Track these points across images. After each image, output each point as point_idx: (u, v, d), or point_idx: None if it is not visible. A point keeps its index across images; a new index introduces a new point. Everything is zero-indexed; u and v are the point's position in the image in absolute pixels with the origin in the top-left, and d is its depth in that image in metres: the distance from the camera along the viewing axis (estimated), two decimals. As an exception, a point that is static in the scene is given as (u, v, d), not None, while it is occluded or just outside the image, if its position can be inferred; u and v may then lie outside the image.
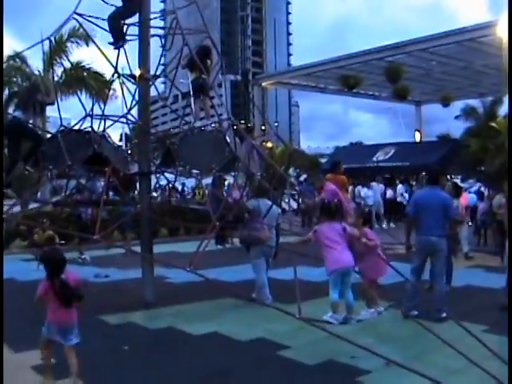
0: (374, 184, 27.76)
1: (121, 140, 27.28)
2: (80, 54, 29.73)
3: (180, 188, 36.87)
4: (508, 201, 9.88)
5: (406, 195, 27.20)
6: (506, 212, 12.99)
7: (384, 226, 25.73)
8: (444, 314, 9.63)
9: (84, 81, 27.27)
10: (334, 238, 8.61)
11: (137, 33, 12.16)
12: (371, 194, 26.76)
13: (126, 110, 12.59)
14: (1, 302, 9.91)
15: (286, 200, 12.81)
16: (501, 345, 7.75)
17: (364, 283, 9.57)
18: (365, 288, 9.50)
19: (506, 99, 26.78)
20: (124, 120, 12.68)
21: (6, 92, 28.80)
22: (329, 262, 8.68)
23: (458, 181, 28.39)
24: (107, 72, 24.49)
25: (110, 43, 12.15)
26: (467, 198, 17.03)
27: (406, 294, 10.04)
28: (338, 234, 8.69)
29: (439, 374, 6.68)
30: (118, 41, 12.05)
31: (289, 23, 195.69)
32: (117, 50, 12.10)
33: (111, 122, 12.65)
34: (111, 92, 19.87)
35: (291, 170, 29.51)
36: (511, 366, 6.20)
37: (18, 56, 27.53)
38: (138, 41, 12.09)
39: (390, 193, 28.75)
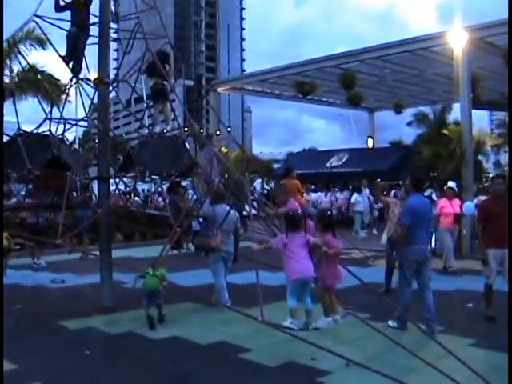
0: (365, 190, 27.96)
1: (74, 143, 27.03)
2: (34, 56, 29.37)
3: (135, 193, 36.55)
4: (508, 201, 9.96)
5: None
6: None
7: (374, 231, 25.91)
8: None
9: (37, 84, 26.94)
10: (296, 249, 8.81)
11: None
12: (361, 199, 27.00)
13: (81, 114, 12.57)
14: (1, 303, 9.86)
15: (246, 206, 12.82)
16: (459, 345, 8.02)
17: (319, 289, 9.72)
18: (320, 294, 9.66)
19: (454, 106, 27.37)
20: (83, 123, 12.65)
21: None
22: (290, 271, 8.86)
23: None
24: (62, 75, 24.29)
25: (60, 56, 12.17)
26: (460, 205, 16.73)
27: (401, 308, 9.64)
28: (300, 244, 8.88)
29: (397, 373, 6.82)
30: (70, 58, 12.12)
31: (243, 29, 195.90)
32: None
33: (69, 126, 12.65)
34: (66, 96, 19.76)
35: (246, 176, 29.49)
36: (511, 366, 6.39)
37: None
38: (97, 44, 12.08)
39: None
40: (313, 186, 29.93)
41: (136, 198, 34.69)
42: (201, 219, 12.25)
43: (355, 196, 27.28)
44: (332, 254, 9.45)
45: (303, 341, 7.71)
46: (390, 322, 9.57)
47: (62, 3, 12.07)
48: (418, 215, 9.57)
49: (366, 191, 28.03)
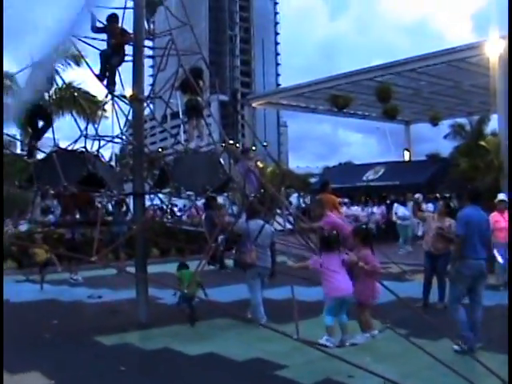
0: (410, 203, 27.53)
1: (111, 160, 27.30)
2: (70, 74, 29.74)
3: (171, 208, 36.73)
4: (508, 203, 9.72)
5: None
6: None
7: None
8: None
9: (75, 101, 27.23)
10: (333, 268, 8.70)
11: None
12: (407, 213, 26.51)
13: (117, 130, 12.67)
14: (1, 306, 9.92)
15: (280, 220, 12.76)
16: (499, 362, 7.83)
17: (357, 306, 9.58)
18: (358, 311, 9.52)
19: (493, 117, 27.04)
20: (118, 140, 12.74)
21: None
22: (327, 288, 8.75)
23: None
24: (98, 91, 24.54)
25: (95, 75, 12.31)
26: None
27: (462, 326, 9.22)
28: (336, 264, 8.77)
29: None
30: (104, 77, 12.25)
31: (277, 43, 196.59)
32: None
33: (104, 143, 12.74)
34: (102, 112, 19.95)
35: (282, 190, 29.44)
36: (511, 366, 6.26)
37: (9, 78, 27.57)
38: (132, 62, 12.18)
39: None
40: (346, 200, 29.62)
41: (177, 212, 34.86)
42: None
43: (402, 210, 26.81)
44: (369, 269, 9.32)
45: (339, 359, 7.62)
46: (455, 347, 8.99)
47: (99, 25, 12.23)
48: (473, 226, 9.23)
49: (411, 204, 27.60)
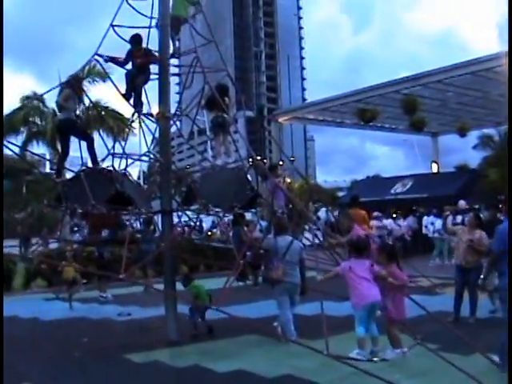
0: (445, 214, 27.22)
1: (139, 178, 27.60)
2: (97, 92, 30.09)
3: (198, 225, 36.96)
4: (508, 205, 9.43)
5: (431, 227, 26.92)
6: None
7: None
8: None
9: (102, 119, 27.48)
10: (361, 274, 8.68)
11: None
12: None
13: (144, 148, 12.75)
14: (1, 307, 9.97)
15: (309, 236, 12.74)
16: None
17: (387, 322, 9.49)
18: (388, 327, 9.43)
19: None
20: (145, 158, 12.80)
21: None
22: (356, 297, 8.71)
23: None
24: (125, 109, 24.77)
25: (121, 94, 12.45)
26: None
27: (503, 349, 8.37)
28: (365, 269, 8.74)
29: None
30: (130, 96, 12.39)
31: (302, 58, 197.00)
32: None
33: (132, 161, 12.83)
34: (129, 131, 20.11)
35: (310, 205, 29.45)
36: (511, 367, 6.16)
37: (37, 98, 27.99)
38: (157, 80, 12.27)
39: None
40: (378, 214, 29.40)
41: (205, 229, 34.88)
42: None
43: (439, 222, 26.49)
44: (397, 285, 9.24)
45: (370, 375, 7.54)
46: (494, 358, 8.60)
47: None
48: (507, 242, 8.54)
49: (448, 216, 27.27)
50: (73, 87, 12.42)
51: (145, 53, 12.35)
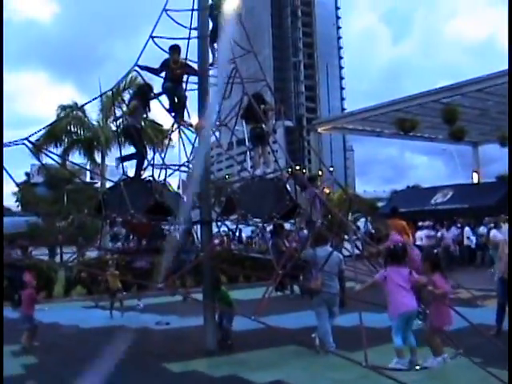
0: (505, 225, 26.80)
1: (179, 188, 27.72)
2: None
3: (238, 235, 37.06)
4: (508, 203, 9.27)
5: (473, 238, 26.59)
6: None
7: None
8: None
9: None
10: (400, 283, 8.61)
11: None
12: (501, 236, 25.67)
13: (183, 158, 12.82)
14: (1, 308, 10.07)
15: (348, 246, 12.70)
16: None
17: (428, 330, 9.38)
18: (429, 336, 9.32)
19: None
20: (185, 168, 12.87)
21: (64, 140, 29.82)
22: (393, 305, 8.64)
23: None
24: (164, 120, 24.98)
25: (166, 109, 12.59)
26: None
27: None
28: (403, 278, 8.68)
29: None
30: (173, 112, 12.53)
31: (341, 68, 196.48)
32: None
33: (171, 171, 12.92)
34: (169, 141, 20.22)
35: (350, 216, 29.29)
36: (511, 367, 6.05)
37: (78, 108, 28.37)
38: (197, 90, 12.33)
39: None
40: (429, 223, 29.04)
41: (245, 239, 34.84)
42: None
43: (493, 232, 26.10)
44: (439, 294, 9.13)
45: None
46: None
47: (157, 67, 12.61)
48: None
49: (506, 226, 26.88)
50: (140, 98, 12.58)
51: (182, 64, 12.44)
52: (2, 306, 10.63)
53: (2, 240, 12.44)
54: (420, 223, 29.87)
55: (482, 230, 27.06)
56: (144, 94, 12.78)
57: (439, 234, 27.99)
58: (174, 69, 12.27)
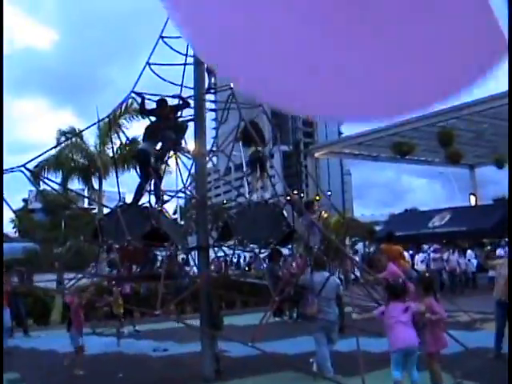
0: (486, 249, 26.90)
1: (175, 213, 27.74)
2: (134, 129, 30.49)
3: (235, 261, 37.06)
4: (508, 204, 9.28)
5: (475, 261, 26.56)
6: None
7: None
8: None
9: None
10: (398, 318, 8.58)
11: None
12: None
13: (180, 184, 12.85)
14: (1, 308, 10.02)
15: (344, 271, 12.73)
16: None
17: (427, 357, 9.33)
18: (429, 362, 9.26)
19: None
20: (182, 195, 12.89)
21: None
22: (392, 340, 8.60)
23: None
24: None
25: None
26: None
27: None
28: (402, 313, 8.64)
29: None
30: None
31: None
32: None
33: (169, 198, 12.94)
34: (166, 167, 20.27)
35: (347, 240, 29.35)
36: (511, 367, 6.02)
37: (76, 135, 28.46)
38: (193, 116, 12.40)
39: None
40: (437, 246, 28.93)
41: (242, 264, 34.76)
42: None
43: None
44: (435, 319, 9.11)
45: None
46: None
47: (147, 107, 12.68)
48: None
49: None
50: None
51: (171, 109, 12.53)
52: (1, 313, 10.56)
53: (2, 247, 12.44)
54: (425, 246, 29.86)
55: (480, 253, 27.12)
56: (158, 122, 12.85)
57: (445, 257, 27.99)
58: (163, 115, 12.34)
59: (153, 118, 12.85)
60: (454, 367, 10.02)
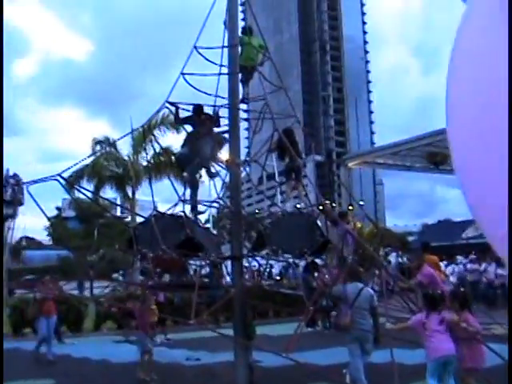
0: None
1: (206, 222, 27.87)
2: (169, 139, 30.69)
3: (268, 271, 37.02)
4: (508, 204, 9.02)
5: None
6: None
7: None
8: None
9: (172, 165, 27.91)
10: (435, 328, 8.50)
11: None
12: None
13: (214, 194, 12.87)
14: (1, 308, 10.08)
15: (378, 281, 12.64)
16: None
17: (462, 371, 9.21)
18: (463, 377, 9.15)
19: None
20: (215, 205, 12.91)
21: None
22: (431, 349, 8.53)
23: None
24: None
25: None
26: None
27: None
28: (438, 323, 8.57)
29: None
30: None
31: (370, 101, 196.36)
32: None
33: (204, 208, 12.98)
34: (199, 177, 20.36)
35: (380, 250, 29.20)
36: (511, 367, 5.92)
37: (111, 145, 28.75)
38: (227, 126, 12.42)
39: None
40: (473, 256, 28.68)
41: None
42: None
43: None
44: (472, 331, 9.00)
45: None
46: None
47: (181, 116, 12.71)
48: None
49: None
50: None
51: (206, 118, 12.54)
52: (2, 315, 10.67)
53: (2, 248, 12.56)
54: (459, 257, 29.54)
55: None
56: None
57: (482, 268, 27.66)
58: (199, 125, 12.38)
59: (187, 127, 12.91)
60: (492, 381, 9.88)
